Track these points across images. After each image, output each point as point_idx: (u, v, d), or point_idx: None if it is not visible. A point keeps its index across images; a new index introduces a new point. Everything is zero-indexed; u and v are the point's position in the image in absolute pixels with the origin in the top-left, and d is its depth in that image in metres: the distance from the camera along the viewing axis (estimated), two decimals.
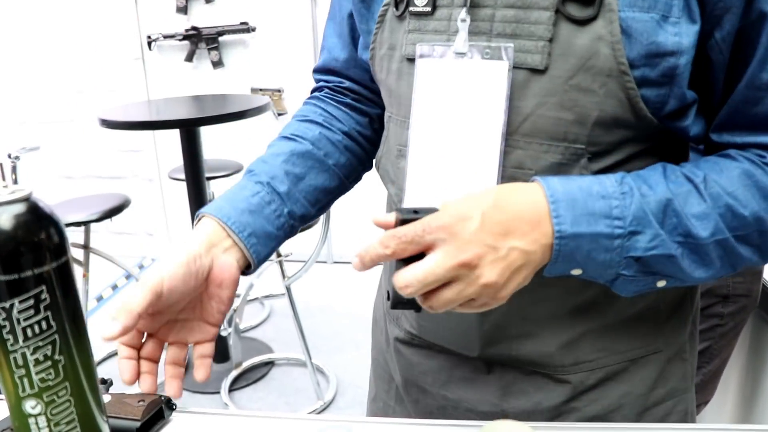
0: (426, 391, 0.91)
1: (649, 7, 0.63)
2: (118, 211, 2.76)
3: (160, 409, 0.77)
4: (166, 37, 3.83)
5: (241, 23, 3.73)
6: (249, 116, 2.55)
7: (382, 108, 0.90)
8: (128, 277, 3.70)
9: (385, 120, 0.86)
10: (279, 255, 2.63)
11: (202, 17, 3.80)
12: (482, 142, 0.71)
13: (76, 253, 2.84)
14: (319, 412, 2.63)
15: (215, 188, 3.36)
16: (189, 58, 3.84)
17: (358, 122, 0.98)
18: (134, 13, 3.88)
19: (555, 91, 0.68)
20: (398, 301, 0.64)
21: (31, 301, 0.54)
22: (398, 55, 0.78)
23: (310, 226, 2.45)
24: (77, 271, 2.87)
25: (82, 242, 2.80)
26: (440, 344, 0.87)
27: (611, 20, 0.64)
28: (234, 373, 2.88)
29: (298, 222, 0.89)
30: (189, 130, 2.64)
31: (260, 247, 0.82)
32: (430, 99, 0.75)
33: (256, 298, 3.59)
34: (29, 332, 0.54)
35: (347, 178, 0.97)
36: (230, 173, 3.26)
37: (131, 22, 3.90)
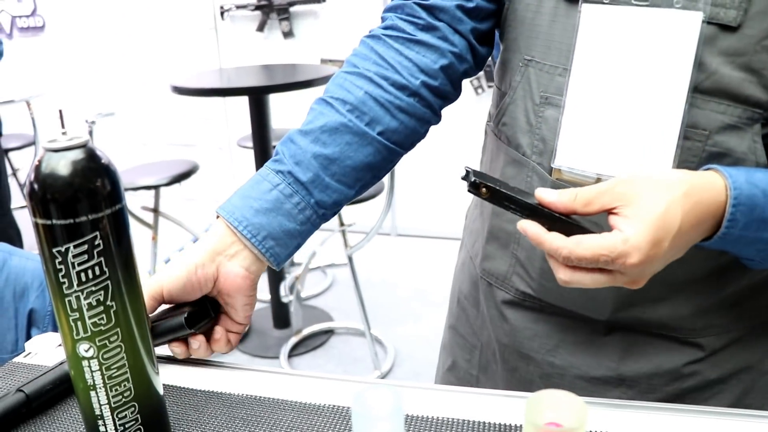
0: (530, 358, 0.87)
1: None
2: (186, 176, 2.82)
3: (205, 307, 0.75)
4: (238, 7, 3.87)
5: None
6: (317, 85, 2.56)
7: (476, 47, 0.82)
8: (195, 240, 3.77)
9: (516, 63, 0.78)
10: (342, 224, 2.65)
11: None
12: (661, 101, 0.67)
13: (146, 216, 2.92)
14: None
15: None
16: (260, 28, 3.87)
17: (427, 70, 0.80)
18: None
19: (745, 50, 0.64)
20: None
21: (86, 246, 0.55)
22: None
23: (373, 196, 2.46)
24: (147, 234, 2.95)
25: (152, 206, 2.88)
26: (564, 306, 0.82)
27: None
28: (294, 340, 2.92)
29: (330, 210, 0.78)
30: (258, 98, 2.67)
31: (279, 249, 0.75)
32: (599, 48, 0.69)
33: (318, 267, 3.63)
34: (83, 277, 0.56)
35: (401, 146, 0.82)
36: None
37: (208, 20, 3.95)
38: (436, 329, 3.00)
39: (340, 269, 3.59)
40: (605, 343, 0.81)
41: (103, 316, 0.57)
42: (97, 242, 0.55)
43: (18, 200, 3.70)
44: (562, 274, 0.61)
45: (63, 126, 0.55)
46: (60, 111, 0.54)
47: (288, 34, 3.85)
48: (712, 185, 0.61)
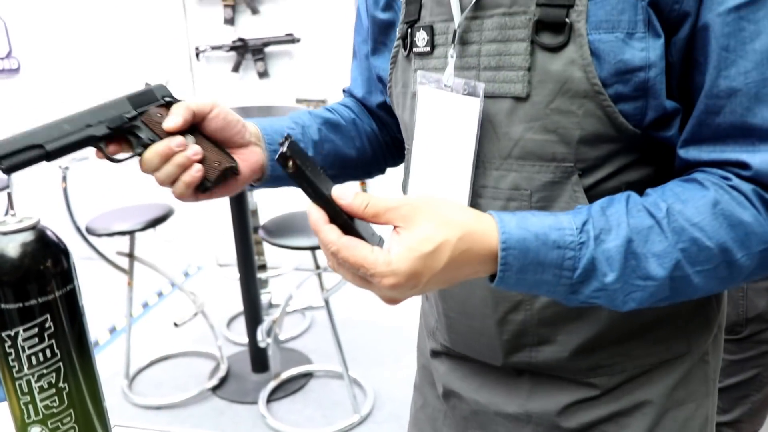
0: (461, 397, 0.96)
1: (613, 27, 0.67)
2: (161, 221, 2.80)
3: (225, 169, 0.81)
4: (213, 48, 3.88)
5: (287, 35, 3.76)
6: None
7: (394, 135, 1.08)
8: (173, 285, 3.74)
9: (405, 154, 0.92)
10: (318, 267, 2.64)
11: (248, 29, 3.85)
12: (457, 169, 0.79)
13: (122, 262, 2.89)
14: (355, 426, 2.62)
15: (258, 198, 3.39)
16: (236, 68, 3.88)
17: (378, 132, 1.10)
18: (183, 25, 3.95)
19: (538, 116, 0.72)
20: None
21: (36, 329, 0.54)
22: (410, 92, 0.87)
23: None
24: (122, 279, 2.92)
25: (127, 251, 2.85)
26: (469, 355, 0.93)
27: (581, 44, 0.68)
28: (272, 384, 2.88)
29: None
30: None
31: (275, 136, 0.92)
32: (425, 125, 0.83)
33: (296, 310, 3.60)
34: (34, 360, 0.54)
35: (365, 165, 1.08)
36: None
37: (180, 34, 3.96)
38: (415, 370, 2.98)
39: (318, 311, 3.56)
40: (517, 383, 0.89)
41: (56, 398, 0.56)
42: (47, 324, 0.54)
43: None
44: (330, 263, 0.66)
45: (12, 208, 0.54)
46: (9, 194, 0.54)
47: (263, 75, 3.86)
48: (486, 231, 0.65)
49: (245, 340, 3.05)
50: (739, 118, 0.66)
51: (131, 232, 2.74)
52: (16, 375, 0.55)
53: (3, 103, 4.51)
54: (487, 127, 0.76)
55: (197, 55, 3.93)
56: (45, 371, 0.55)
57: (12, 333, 0.53)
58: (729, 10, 0.64)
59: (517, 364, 0.87)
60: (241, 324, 3.25)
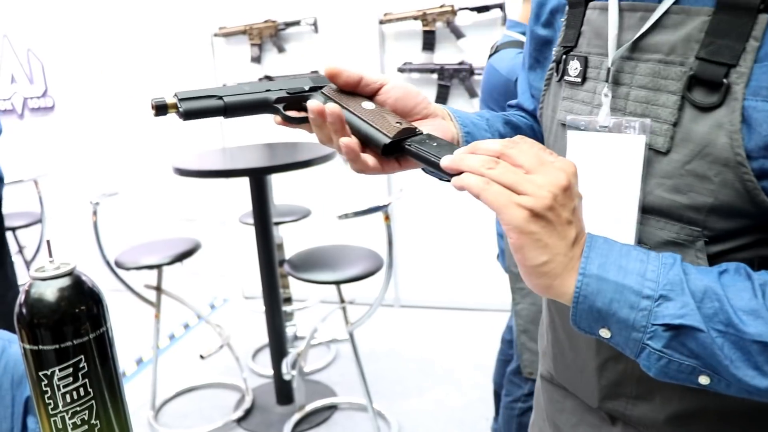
0: (559, 429, 0.97)
1: (759, 94, 0.63)
2: (188, 255, 2.86)
3: (409, 137, 0.75)
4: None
5: (312, 72, 3.84)
6: (315, 164, 2.62)
7: None
8: (199, 317, 3.79)
9: None
10: (342, 301, 2.66)
11: (275, 66, 3.94)
12: (619, 215, 0.74)
13: (149, 294, 2.94)
14: None
15: (284, 232, 3.44)
16: None
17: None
18: (212, 64, 4.04)
19: (673, 174, 0.69)
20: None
21: (71, 369, 0.58)
22: (557, 118, 0.85)
23: (373, 271, 2.49)
24: (150, 312, 2.97)
25: (155, 284, 2.91)
26: (569, 389, 0.93)
27: (734, 109, 0.64)
28: (297, 416, 2.90)
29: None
30: (258, 178, 2.72)
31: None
32: (580, 166, 0.76)
33: (321, 343, 3.62)
34: (68, 398, 0.58)
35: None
36: (298, 218, 3.34)
37: (208, 73, 4.06)
38: (440, 403, 2.99)
39: (343, 343, 3.59)
40: (610, 430, 0.87)
41: None
42: (81, 365, 0.58)
43: (24, 277, 3.73)
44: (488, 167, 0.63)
45: (51, 255, 0.58)
46: (48, 241, 0.58)
47: None
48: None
49: (270, 372, 3.08)
50: None
51: (159, 266, 2.80)
52: (51, 412, 0.58)
53: (39, 139, 4.64)
54: None
55: None
56: (78, 408, 0.59)
57: (48, 373, 0.57)
58: None
59: (612, 411, 0.85)
60: (266, 356, 3.28)
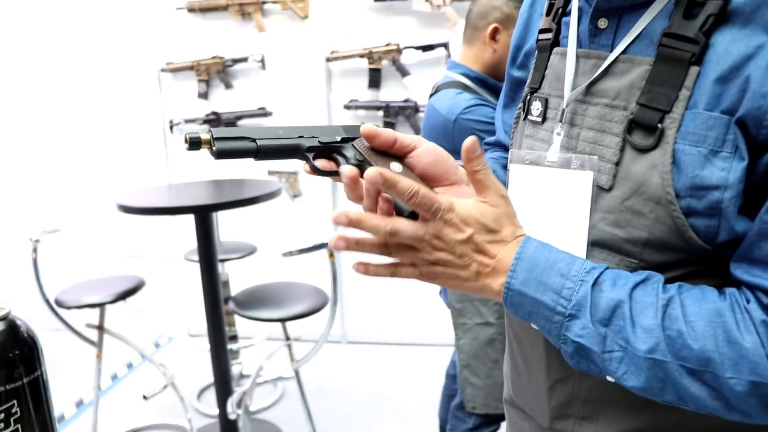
0: None
1: (699, 141, 0.68)
2: (132, 293, 2.81)
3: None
4: (187, 121, 3.96)
5: (259, 108, 3.86)
6: (262, 201, 2.62)
7: None
8: (142, 356, 3.72)
9: None
10: (288, 338, 2.65)
11: (222, 103, 3.95)
12: (569, 246, 0.79)
13: (91, 334, 2.88)
14: None
15: (229, 269, 3.42)
16: None
17: None
18: (159, 99, 4.03)
19: (613, 209, 0.76)
20: None
21: (2, 415, 0.57)
22: (520, 155, 0.90)
23: (318, 309, 2.49)
24: (91, 351, 2.91)
25: (96, 323, 2.85)
26: (525, 410, 0.98)
27: (666, 151, 0.70)
28: None
29: None
30: (203, 215, 2.71)
31: None
32: (525, 202, 0.87)
33: (267, 381, 3.59)
34: None
35: None
36: (244, 255, 3.32)
37: (155, 108, 4.05)
38: None
39: (289, 381, 3.56)
40: None
41: None
42: (14, 410, 0.58)
43: None
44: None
45: None
46: None
47: None
48: (515, 230, 0.76)
49: (216, 411, 3.03)
50: None
51: (101, 305, 2.75)
52: None
53: None
54: None
55: (171, 127, 4.01)
56: None
57: None
58: None
59: (562, 431, 0.89)
60: (211, 395, 3.23)
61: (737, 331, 0.65)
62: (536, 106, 0.89)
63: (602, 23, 0.79)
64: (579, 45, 0.83)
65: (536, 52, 0.94)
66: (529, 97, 0.92)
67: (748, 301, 0.67)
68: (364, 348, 4.01)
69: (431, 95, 2.05)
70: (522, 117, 0.94)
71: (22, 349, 0.59)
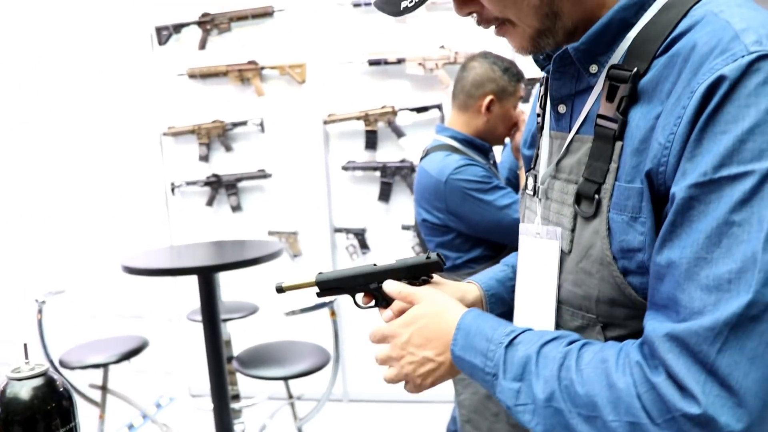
0: None
1: (622, 209, 0.77)
2: (135, 353, 2.86)
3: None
4: (188, 183, 4.05)
5: (259, 170, 3.95)
6: (263, 262, 2.68)
7: None
8: (144, 416, 3.73)
9: None
10: (290, 396, 2.69)
11: (222, 165, 4.05)
12: (542, 305, 0.92)
13: (94, 394, 2.91)
14: None
15: (232, 329, 3.46)
16: (209, 202, 4.04)
17: None
18: (160, 161, 4.13)
19: (571, 270, 0.85)
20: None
21: None
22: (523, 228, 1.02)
23: (320, 367, 2.52)
24: (94, 412, 2.93)
25: (100, 383, 2.88)
26: None
27: (603, 219, 0.79)
28: None
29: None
30: (206, 275, 2.77)
31: (495, 306, 1.13)
32: (523, 268, 1.00)
33: None
34: None
35: None
36: (246, 314, 3.37)
37: (157, 170, 4.14)
38: None
39: None
40: None
41: None
42: None
43: None
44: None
45: (26, 357, 0.65)
46: (24, 344, 0.64)
47: (236, 208, 4.02)
48: (457, 317, 0.92)
49: None
50: (672, 290, 0.68)
51: (105, 365, 2.79)
52: None
53: None
54: None
55: (173, 190, 4.10)
56: None
57: None
58: (688, 186, 0.67)
59: None
60: None
61: (615, 374, 0.70)
62: (530, 182, 1.00)
63: (561, 108, 0.90)
64: (553, 128, 0.94)
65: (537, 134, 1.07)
66: (527, 173, 1.04)
67: (632, 344, 0.72)
68: (366, 406, 4.02)
69: (421, 158, 2.14)
70: (522, 192, 1.06)
71: (59, 402, 0.65)
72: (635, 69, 0.77)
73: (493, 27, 0.90)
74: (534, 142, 1.14)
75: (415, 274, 1.05)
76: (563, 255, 0.87)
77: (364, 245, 3.90)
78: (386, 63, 3.68)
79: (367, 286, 1.08)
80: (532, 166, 1.04)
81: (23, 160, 4.44)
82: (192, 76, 3.97)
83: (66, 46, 4.21)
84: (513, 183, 2.29)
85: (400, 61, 3.66)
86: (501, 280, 1.17)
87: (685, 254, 0.67)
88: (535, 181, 0.97)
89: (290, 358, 2.61)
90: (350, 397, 4.11)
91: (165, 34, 3.98)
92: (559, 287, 0.88)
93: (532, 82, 3.20)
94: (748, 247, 0.63)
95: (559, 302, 0.89)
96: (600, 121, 0.80)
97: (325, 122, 3.81)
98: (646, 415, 0.66)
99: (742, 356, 0.62)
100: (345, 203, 3.92)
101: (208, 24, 3.91)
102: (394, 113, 3.72)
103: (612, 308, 0.81)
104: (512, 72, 2.09)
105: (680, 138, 0.69)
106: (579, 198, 0.83)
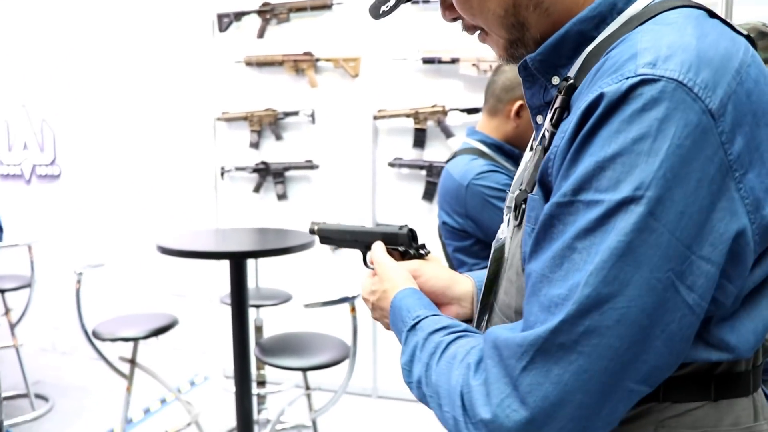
0: None
1: (528, 220, 0.78)
2: (164, 331, 2.92)
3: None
4: (238, 168, 4.12)
5: (306, 161, 3.99)
6: (295, 252, 2.68)
7: None
8: (171, 393, 3.81)
9: None
10: (308, 387, 2.70)
11: (271, 153, 4.10)
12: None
13: (123, 367, 2.99)
14: None
15: (264, 315, 3.50)
16: (257, 189, 4.10)
17: None
18: (212, 145, 4.21)
19: (503, 277, 0.89)
20: None
21: None
22: None
23: (341, 360, 2.53)
24: (122, 384, 3.01)
25: (129, 357, 2.95)
26: None
27: (523, 230, 0.80)
28: None
29: None
30: (237, 261, 2.81)
31: None
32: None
33: (285, 429, 3.61)
34: None
35: None
36: (278, 302, 3.40)
37: (209, 154, 4.22)
38: None
39: (308, 430, 3.57)
40: None
41: None
42: None
43: (6, 339, 3.81)
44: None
45: None
46: None
47: (282, 197, 4.06)
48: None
49: None
50: (525, 300, 0.71)
51: (135, 339, 2.85)
52: None
53: (42, 205, 4.79)
54: None
55: (222, 174, 4.17)
56: None
57: None
58: (552, 204, 0.69)
59: None
60: None
61: (455, 370, 0.74)
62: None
63: (539, 119, 0.89)
64: (536, 138, 0.93)
65: None
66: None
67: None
68: (395, 404, 4.01)
69: (448, 160, 2.10)
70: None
71: None
72: (570, 81, 0.76)
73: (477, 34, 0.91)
74: None
75: (389, 241, 1.12)
76: (504, 263, 0.89)
77: None
78: (440, 62, 3.66)
79: (354, 243, 1.21)
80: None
81: (87, 139, 4.59)
82: (249, 63, 4.03)
83: (132, 30, 4.34)
84: None
85: (454, 61, 3.64)
86: None
87: (537, 268, 0.69)
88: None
89: (310, 350, 2.63)
90: (379, 393, 4.11)
91: (226, 21, 4.05)
92: (496, 293, 0.91)
93: None
94: (577, 276, 0.64)
95: (499, 310, 0.90)
96: (546, 133, 0.80)
97: (375, 117, 3.82)
98: (463, 414, 0.70)
99: (546, 380, 0.64)
100: (389, 199, 3.91)
101: (268, 13, 3.96)
102: (445, 113, 3.69)
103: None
104: None
105: (561, 153, 0.70)
106: (516, 208, 0.85)
